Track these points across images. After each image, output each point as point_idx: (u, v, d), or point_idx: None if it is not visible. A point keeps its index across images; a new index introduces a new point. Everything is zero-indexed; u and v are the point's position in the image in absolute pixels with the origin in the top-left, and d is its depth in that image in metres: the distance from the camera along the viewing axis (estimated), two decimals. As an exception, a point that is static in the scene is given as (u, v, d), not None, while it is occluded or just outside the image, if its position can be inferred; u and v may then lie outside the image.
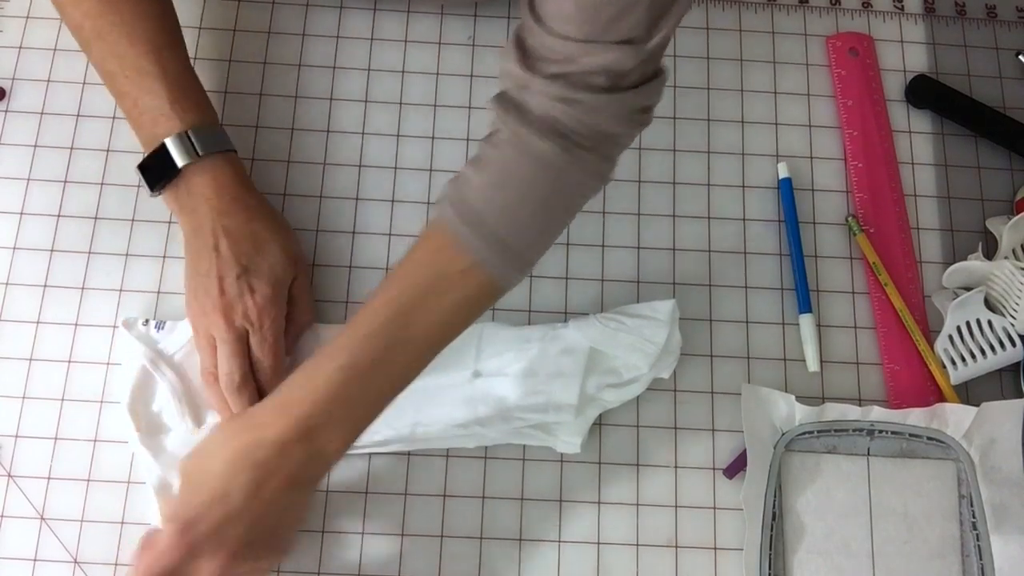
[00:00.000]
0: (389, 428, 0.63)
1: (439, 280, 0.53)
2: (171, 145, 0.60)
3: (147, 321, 0.65)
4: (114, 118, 0.71)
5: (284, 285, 0.62)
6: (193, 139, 0.60)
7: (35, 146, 0.70)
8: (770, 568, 0.62)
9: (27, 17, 0.73)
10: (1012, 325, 0.68)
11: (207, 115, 0.62)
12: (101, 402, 0.65)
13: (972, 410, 0.64)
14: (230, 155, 0.63)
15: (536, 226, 0.54)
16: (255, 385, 0.60)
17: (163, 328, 0.65)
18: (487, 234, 0.52)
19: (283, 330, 0.61)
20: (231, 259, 0.60)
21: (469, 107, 0.73)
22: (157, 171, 0.61)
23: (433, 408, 0.63)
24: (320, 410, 0.52)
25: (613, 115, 0.52)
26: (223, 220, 0.60)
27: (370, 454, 0.64)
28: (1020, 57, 0.77)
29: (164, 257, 0.68)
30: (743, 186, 0.73)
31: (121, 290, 0.67)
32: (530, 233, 0.54)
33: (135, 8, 0.61)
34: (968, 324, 0.68)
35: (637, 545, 0.64)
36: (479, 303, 0.55)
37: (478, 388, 0.64)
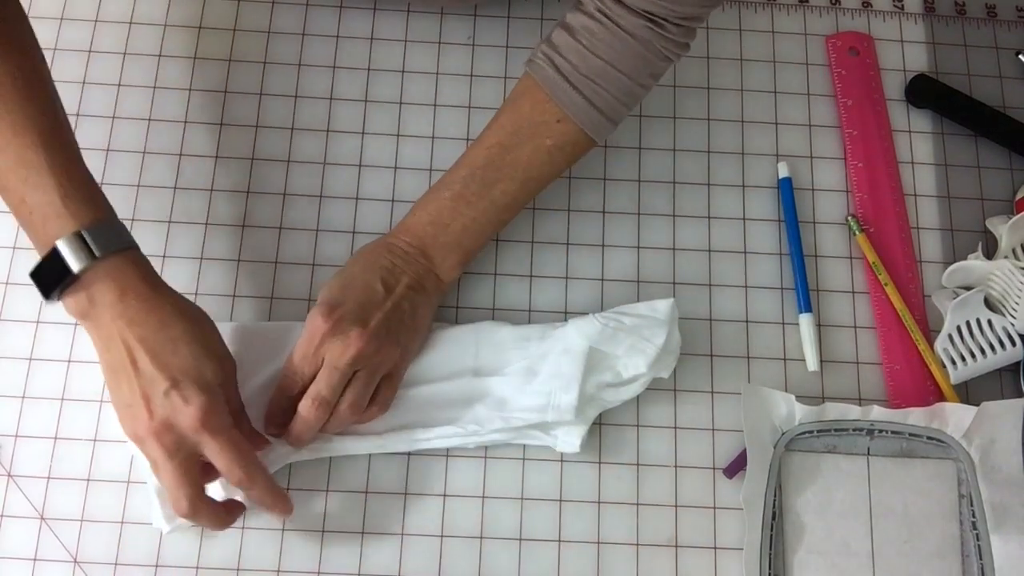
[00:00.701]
0: (389, 429, 0.63)
1: (538, 127, 0.62)
2: (64, 247, 0.53)
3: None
4: (114, 117, 0.71)
5: (216, 387, 0.55)
6: (89, 239, 0.53)
7: (35, 146, 0.70)
8: (770, 568, 0.62)
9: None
10: (1012, 325, 0.68)
11: (101, 210, 0.56)
12: (101, 402, 0.65)
13: (972, 410, 0.64)
14: (131, 253, 0.56)
15: (622, 88, 0.61)
16: (208, 503, 0.55)
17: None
18: (578, 94, 0.60)
19: (235, 429, 0.55)
20: (156, 375, 0.53)
21: (469, 107, 0.73)
22: (52, 277, 0.54)
23: (433, 409, 0.63)
24: (433, 232, 0.62)
25: (696, 1, 0.59)
26: (134, 329, 0.54)
27: (370, 455, 0.64)
28: (1020, 57, 0.77)
29: (164, 257, 0.68)
30: (743, 186, 0.73)
31: (121, 290, 0.67)
32: (617, 94, 0.61)
33: (20, 96, 0.55)
34: (968, 324, 0.68)
35: (637, 545, 0.64)
36: (574, 149, 0.64)
37: (477, 388, 0.64)
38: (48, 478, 0.63)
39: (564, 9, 0.76)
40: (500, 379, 0.64)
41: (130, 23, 0.74)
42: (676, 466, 0.65)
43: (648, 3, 0.58)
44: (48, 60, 0.72)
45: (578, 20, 0.61)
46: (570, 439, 0.63)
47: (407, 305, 0.61)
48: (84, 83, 0.72)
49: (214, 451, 0.54)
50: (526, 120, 0.62)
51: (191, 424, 0.53)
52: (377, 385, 0.61)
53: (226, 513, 0.57)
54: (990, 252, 0.71)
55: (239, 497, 0.60)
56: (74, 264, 0.53)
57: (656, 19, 0.59)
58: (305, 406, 0.58)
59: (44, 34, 0.72)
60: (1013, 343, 0.67)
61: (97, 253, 0.54)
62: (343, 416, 0.59)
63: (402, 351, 0.61)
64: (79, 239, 0.54)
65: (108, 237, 0.55)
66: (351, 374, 0.59)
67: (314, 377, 0.59)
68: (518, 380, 0.63)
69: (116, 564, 0.62)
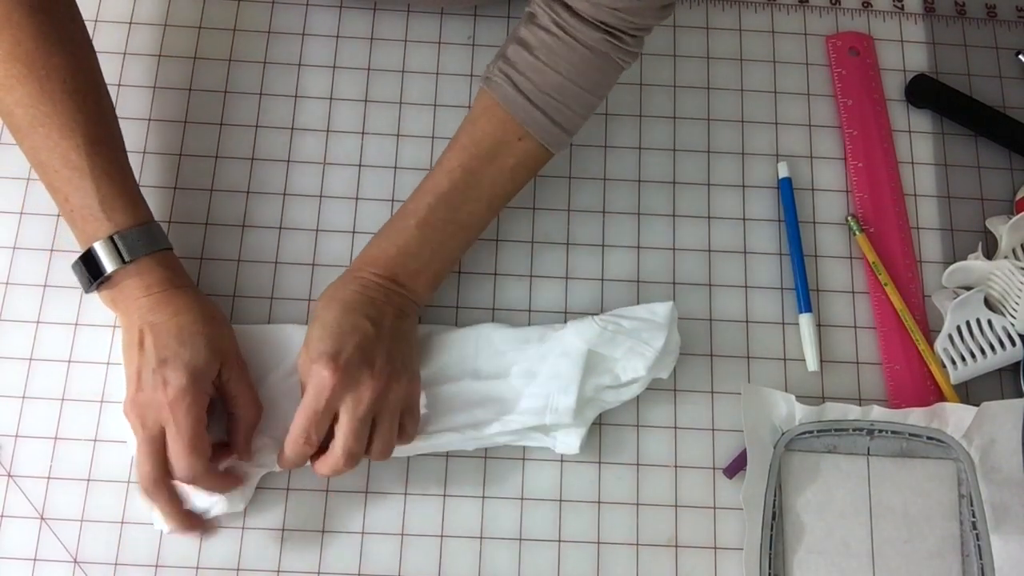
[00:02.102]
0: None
1: (499, 146, 0.62)
2: (99, 250, 0.58)
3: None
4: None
5: (204, 377, 0.57)
6: (119, 244, 0.58)
7: (35, 146, 0.70)
8: (770, 568, 0.62)
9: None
10: (1012, 325, 0.68)
11: (138, 214, 0.60)
12: (101, 402, 0.65)
13: (972, 410, 0.64)
14: (161, 255, 0.60)
15: (582, 102, 0.62)
16: (170, 487, 0.57)
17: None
18: (539, 112, 0.61)
19: (202, 426, 0.57)
20: (152, 353, 0.57)
21: (469, 107, 0.73)
22: (90, 273, 0.59)
23: (432, 413, 0.63)
24: (402, 263, 0.61)
25: (651, 13, 0.60)
26: (149, 317, 0.58)
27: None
28: (1020, 57, 0.77)
29: (164, 257, 0.68)
30: (743, 186, 0.73)
31: (121, 290, 0.67)
32: (577, 108, 0.62)
33: (71, 99, 0.58)
34: (968, 324, 0.68)
35: (637, 545, 0.64)
36: (535, 164, 0.64)
37: (476, 391, 0.63)
38: (48, 478, 0.63)
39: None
40: (499, 382, 0.64)
41: (130, 23, 0.74)
42: (676, 466, 0.65)
43: (607, 15, 0.58)
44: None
45: (535, 35, 0.60)
46: (569, 440, 0.63)
47: (400, 334, 0.60)
48: (84, 83, 0.72)
49: (171, 434, 0.56)
50: (487, 140, 0.62)
51: (161, 401, 0.56)
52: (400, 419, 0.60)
53: (180, 512, 0.58)
54: (990, 252, 0.71)
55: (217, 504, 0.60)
56: (108, 265, 0.58)
57: (614, 31, 0.59)
58: (336, 463, 0.57)
59: (44, 34, 0.72)
60: (1013, 343, 0.67)
61: (127, 258, 0.58)
62: (376, 460, 0.60)
63: (410, 379, 0.61)
64: (111, 243, 0.58)
65: (140, 242, 0.59)
66: (371, 419, 0.58)
67: (328, 431, 0.58)
68: (517, 383, 0.63)
69: (116, 564, 0.62)
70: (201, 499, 0.60)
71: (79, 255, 0.59)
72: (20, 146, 0.60)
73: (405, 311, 0.61)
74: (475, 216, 0.63)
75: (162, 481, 0.57)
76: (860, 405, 0.66)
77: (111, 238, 0.58)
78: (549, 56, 0.59)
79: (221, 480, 0.59)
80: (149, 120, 0.72)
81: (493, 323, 0.66)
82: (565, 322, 0.66)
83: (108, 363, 0.65)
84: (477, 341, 0.65)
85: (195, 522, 0.60)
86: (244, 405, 0.60)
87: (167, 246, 0.61)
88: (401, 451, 0.63)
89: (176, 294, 0.59)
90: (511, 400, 0.63)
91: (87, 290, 0.60)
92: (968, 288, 0.69)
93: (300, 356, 0.59)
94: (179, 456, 0.56)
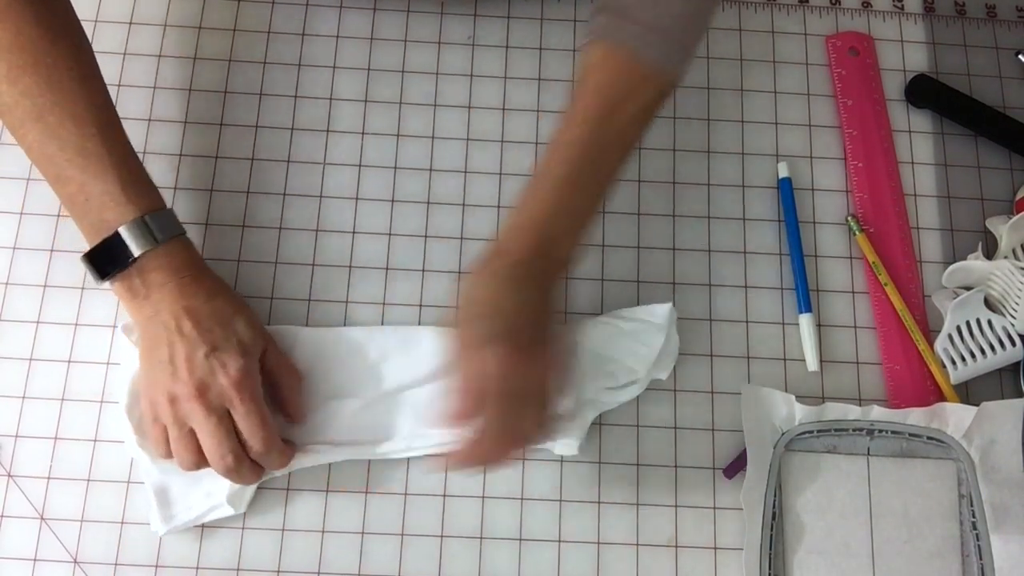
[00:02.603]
0: (387, 438, 0.63)
1: (628, 89, 0.59)
2: (126, 233, 0.57)
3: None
4: (114, 118, 0.71)
5: (255, 357, 0.59)
6: (151, 225, 0.58)
7: (35, 146, 0.70)
8: (770, 568, 0.62)
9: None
10: (1012, 325, 0.68)
11: (157, 199, 0.60)
12: (101, 402, 0.65)
13: (972, 410, 0.64)
14: (183, 239, 0.60)
15: (698, 27, 0.61)
16: (248, 458, 0.58)
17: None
18: (664, 44, 0.58)
19: (263, 399, 0.59)
20: (197, 338, 0.57)
21: (469, 107, 0.73)
22: (108, 260, 0.58)
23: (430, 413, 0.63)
24: (550, 225, 0.58)
25: None
26: (183, 302, 0.58)
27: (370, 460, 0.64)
28: (1020, 57, 0.77)
29: (164, 257, 0.68)
30: (743, 186, 0.73)
31: (121, 290, 0.67)
32: (696, 34, 0.61)
33: (79, 87, 0.58)
34: (968, 324, 0.68)
35: (637, 545, 0.64)
36: (660, 103, 0.61)
37: None
38: (48, 478, 0.63)
39: (564, 9, 0.76)
40: None
41: (130, 23, 0.74)
42: (676, 466, 0.65)
43: None
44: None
45: None
46: (568, 442, 0.63)
47: (539, 310, 0.58)
48: (84, 83, 0.72)
49: (242, 413, 0.57)
50: (614, 86, 0.59)
51: (227, 384, 0.57)
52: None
53: (262, 468, 0.60)
54: (990, 252, 0.71)
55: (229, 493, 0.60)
56: (136, 248, 0.57)
57: None
58: (490, 448, 0.56)
59: (44, 34, 0.72)
60: (1013, 343, 0.67)
61: (159, 238, 0.58)
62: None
63: (548, 351, 0.58)
64: (142, 225, 0.57)
65: (166, 223, 0.59)
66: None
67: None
68: None
69: (116, 564, 0.62)
70: (205, 499, 0.60)
71: (91, 247, 0.58)
72: (22, 141, 0.58)
73: (546, 287, 0.59)
74: (613, 165, 0.60)
75: (240, 451, 0.58)
76: (860, 405, 0.66)
77: (142, 220, 0.57)
78: None
79: (288, 451, 0.61)
80: (149, 120, 0.72)
81: None
82: (565, 322, 0.66)
83: (108, 363, 0.65)
84: None
85: (288, 454, 0.61)
86: (286, 374, 0.62)
87: (184, 231, 0.61)
88: (398, 456, 0.63)
89: (203, 277, 0.60)
90: None
91: (103, 279, 0.58)
92: (968, 288, 0.69)
93: (451, 332, 0.58)
94: (255, 431, 0.57)
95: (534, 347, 0.56)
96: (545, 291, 0.58)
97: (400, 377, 0.64)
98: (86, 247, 0.68)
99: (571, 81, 0.74)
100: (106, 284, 0.59)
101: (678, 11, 0.59)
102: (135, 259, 0.57)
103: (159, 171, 0.70)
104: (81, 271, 0.67)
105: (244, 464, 0.58)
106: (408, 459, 0.64)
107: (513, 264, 0.57)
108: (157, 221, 0.58)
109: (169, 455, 0.59)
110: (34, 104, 0.57)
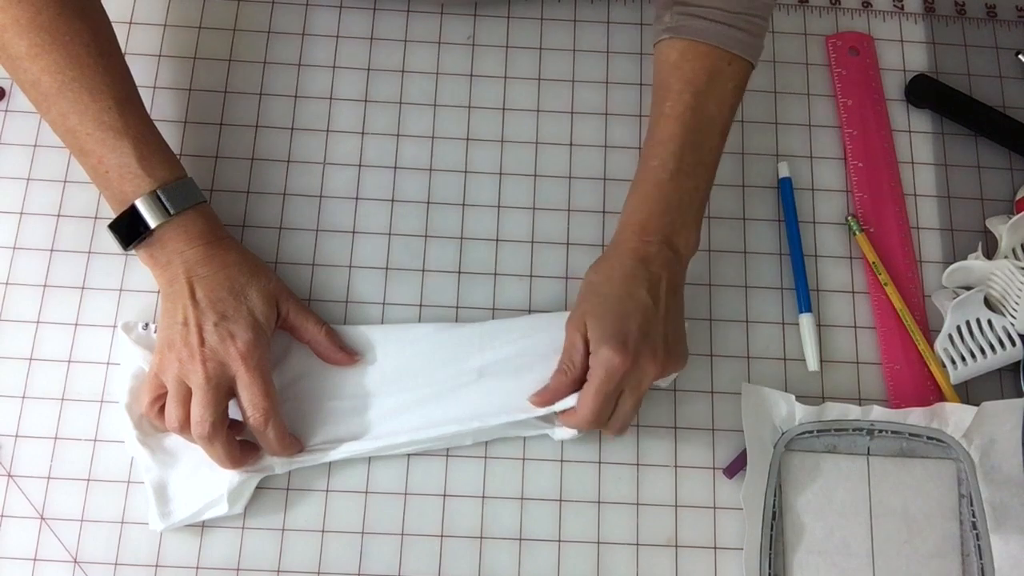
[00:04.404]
0: (390, 432, 0.63)
1: (714, 78, 0.62)
2: (142, 206, 0.59)
3: (147, 325, 0.65)
4: (114, 118, 0.71)
5: (265, 329, 0.60)
6: (164, 198, 0.59)
7: (35, 146, 0.70)
8: (770, 568, 0.62)
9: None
10: (1012, 324, 0.68)
11: (175, 169, 0.61)
12: (101, 402, 0.65)
13: (972, 410, 0.64)
14: (201, 207, 0.61)
15: (766, 6, 0.64)
16: (227, 432, 0.59)
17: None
18: (738, 31, 0.62)
19: (270, 373, 0.60)
20: (208, 307, 0.59)
21: (469, 107, 0.73)
22: (129, 231, 0.60)
23: (438, 409, 0.63)
24: (670, 220, 0.61)
25: None
26: (197, 269, 0.60)
27: (370, 457, 0.64)
28: (1020, 57, 0.77)
29: (164, 257, 0.68)
30: (743, 186, 0.73)
31: (121, 290, 0.67)
32: (764, 13, 0.64)
33: (96, 62, 0.59)
34: (968, 324, 0.68)
35: (637, 545, 0.64)
36: (745, 83, 0.64)
37: (483, 387, 0.64)
38: (48, 478, 0.63)
39: (564, 9, 0.76)
40: (504, 377, 0.64)
41: (130, 23, 0.74)
42: (676, 466, 0.65)
43: None
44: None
45: None
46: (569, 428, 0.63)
47: (675, 311, 0.61)
48: (84, 83, 0.72)
49: (245, 383, 0.59)
50: (701, 76, 0.62)
51: (234, 354, 0.58)
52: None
53: (238, 454, 0.60)
54: (990, 252, 0.71)
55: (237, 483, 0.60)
56: (151, 220, 0.59)
57: None
58: (612, 432, 0.62)
59: (44, 34, 0.72)
60: (1013, 343, 0.67)
61: (172, 210, 0.59)
62: (618, 434, 0.63)
63: (678, 358, 0.62)
64: (155, 198, 0.59)
65: (181, 195, 0.60)
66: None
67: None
68: (521, 376, 0.63)
69: (116, 564, 0.62)
70: (203, 496, 0.60)
71: (115, 217, 0.60)
72: (46, 116, 0.60)
73: (678, 283, 0.62)
74: (715, 151, 0.63)
75: (221, 424, 0.58)
76: (860, 405, 0.66)
77: (155, 193, 0.59)
78: None
79: (292, 441, 0.61)
80: (149, 120, 0.72)
81: (495, 321, 0.67)
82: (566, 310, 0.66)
83: (108, 363, 0.65)
84: (482, 339, 0.65)
85: (249, 455, 0.61)
86: (312, 330, 0.63)
87: (204, 199, 0.62)
88: (404, 450, 0.63)
89: (219, 246, 0.61)
90: (517, 393, 0.63)
91: (126, 248, 0.60)
92: (968, 288, 0.69)
93: (571, 323, 0.61)
94: (256, 400, 0.59)
95: (647, 350, 0.58)
96: (668, 293, 0.60)
97: (404, 374, 0.64)
98: (86, 247, 0.68)
99: (571, 81, 0.74)
100: (131, 252, 0.61)
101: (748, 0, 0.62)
102: (152, 231, 0.59)
103: (159, 171, 0.70)
104: (81, 271, 0.67)
105: (219, 439, 0.58)
106: (408, 460, 0.64)
107: (638, 260, 0.60)
108: (171, 193, 0.59)
109: (153, 415, 0.60)
110: (54, 80, 0.59)
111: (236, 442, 0.60)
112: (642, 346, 0.58)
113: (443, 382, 0.64)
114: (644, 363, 0.58)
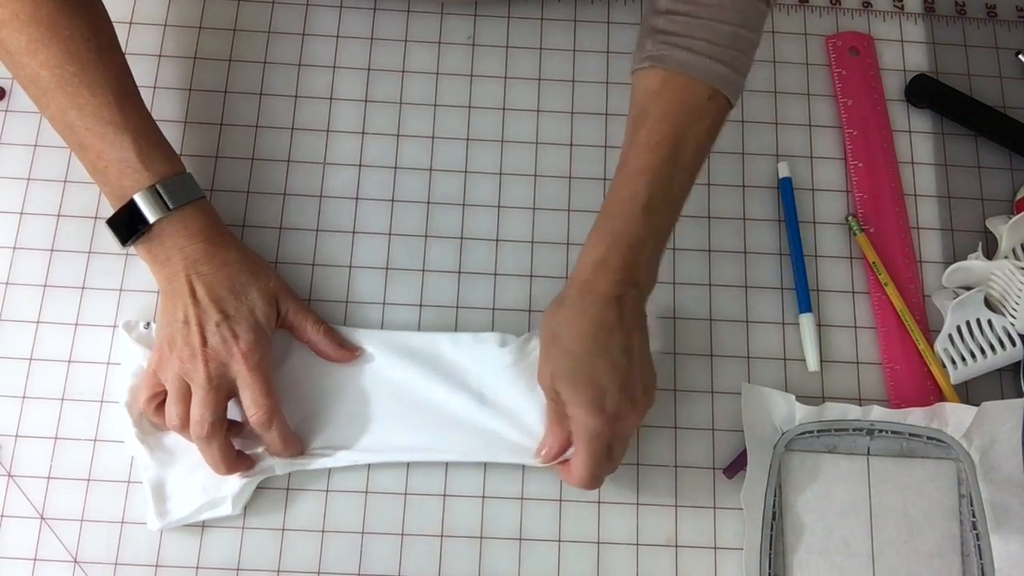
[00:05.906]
0: (393, 448, 0.63)
1: (692, 112, 0.59)
2: (140, 200, 0.58)
3: (148, 324, 0.65)
4: (114, 118, 0.71)
5: (266, 329, 0.60)
6: (163, 193, 0.59)
7: (35, 146, 0.70)
8: (770, 568, 0.62)
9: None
10: (1012, 325, 0.68)
11: (174, 164, 0.61)
12: (101, 402, 0.65)
13: (972, 410, 0.65)
14: (201, 203, 0.61)
15: (751, 45, 0.61)
16: (224, 435, 0.59)
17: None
18: (721, 65, 0.59)
19: (271, 373, 0.60)
20: (210, 306, 0.59)
21: (469, 107, 0.73)
22: (128, 226, 0.59)
23: (443, 437, 0.63)
24: (633, 256, 0.58)
25: None
26: (197, 267, 0.59)
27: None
28: (1020, 57, 0.77)
29: (164, 257, 0.68)
30: (743, 186, 0.73)
31: (121, 290, 0.67)
32: (748, 52, 0.61)
33: (96, 58, 0.59)
34: (968, 324, 0.68)
35: (637, 545, 0.64)
36: (722, 121, 0.61)
37: (485, 416, 0.63)
38: (48, 478, 0.63)
39: (564, 9, 0.76)
40: (505, 412, 0.63)
41: (130, 23, 0.74)
42: (676, 466, 0.65)
43: None
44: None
45: (678, 2, 0.60)
46: None
47: (646, 358, 0.59)
48: (84, 83, 0.72)
49: (247, 382, 0.58)
50: (679, 108, 0.59)
51: (236, 355, 0.58)
52: None
53: (233, 458, 0.60)
54: (990, 252, 0.71)
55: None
56: (150, 215, 0.59)
57: None
58: (592, 478, 0.59)
59: (44, 34, 0.72)
60: (1013, 343, 0.67)
61: (171, 205, 0.59)
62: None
63: (649, 405, 0.60)
64: (155, 192, 0.59)
65: (180, 190, 0.60)
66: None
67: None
68: (524, 398, 0.63)
69: (116, 564, 0.62)
70: (200, 496, 0.60)
71: (113, 212, 0.59)
72: (45, 111, 0.60)
73: (643, 323, 0.59)
74: (685, 188, 0.60)
75: (220, 425, 0.58)
76: (860, 405, 0.66)
77: (154, 187, 0.59)
78: (711, 11, 0.59)
79: (294, 441, 0.61)
80: (149, 120, 0.72)
81: (485, 336, 0.66)
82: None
83: (108, 363, 0.65)
84: (477, 366, 0.65)
85: (243, 463, 0.61)
86: (311, 329, 0.63)
87: (203, 195, 0.62)
88: (404, 459, 0.63)
89: (220, 243, 0.61)
90: (522, 413, 0.63)
91: (125, 244, 0.60)
92: (968, 288, 0.69)
93: (542, 380, 0.59)
94: (258, 399, 0.58)
95: (628, 406, 0.57)
96: (638, 342, 0.58)
97: (401, 383, 0.64)
98: (87, 247, 0.68)
99: (571, 81, 0.74)
100: (130, 248, 0.61)
101: (729, 30, 0.59)
102: (150, 226, 0.59)
103: (159, 171, 0.70)
104: (81, 271, 0.67)
105: (217, 440, 0.58)
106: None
107: (605, 306, 0.57)
108: (170, 188, 0.59)
109: (150, 412, 0.61)
110: (53, 75, 0.58)
111: (232, 446, 0.60)
112: (621, 404, 0.56)
113: (445, 402, 0.64)
114: (626, 417, 0.57)
